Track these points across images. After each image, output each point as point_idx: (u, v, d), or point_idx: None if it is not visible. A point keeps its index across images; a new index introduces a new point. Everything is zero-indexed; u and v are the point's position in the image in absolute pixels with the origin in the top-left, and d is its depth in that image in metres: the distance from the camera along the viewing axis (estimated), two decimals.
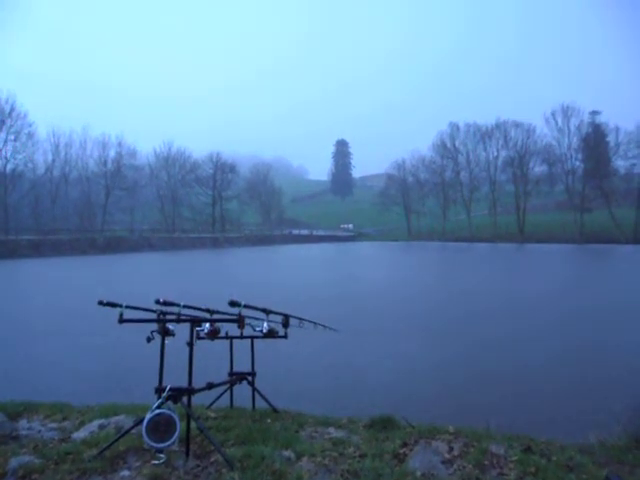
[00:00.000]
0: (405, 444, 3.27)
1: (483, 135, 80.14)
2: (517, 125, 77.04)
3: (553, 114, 71.42)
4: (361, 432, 3.57)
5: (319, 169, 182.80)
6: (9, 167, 63.21)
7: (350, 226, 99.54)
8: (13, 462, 2.90)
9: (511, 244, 61.02)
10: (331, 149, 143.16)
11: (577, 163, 72.28)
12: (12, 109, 61.88)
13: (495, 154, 79.49)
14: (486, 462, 2.95)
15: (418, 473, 2.81)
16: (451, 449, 3.18)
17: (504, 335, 10.45)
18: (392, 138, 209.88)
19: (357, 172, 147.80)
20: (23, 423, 3.75)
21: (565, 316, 12.61)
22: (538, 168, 76.34)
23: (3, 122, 61.49)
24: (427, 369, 8.14)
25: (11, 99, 61.57)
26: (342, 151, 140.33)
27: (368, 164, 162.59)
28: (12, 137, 62.55)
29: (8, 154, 62.83)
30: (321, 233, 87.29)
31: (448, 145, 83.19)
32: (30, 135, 64.76)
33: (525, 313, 13.26)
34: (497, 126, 78.50)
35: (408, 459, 3.03)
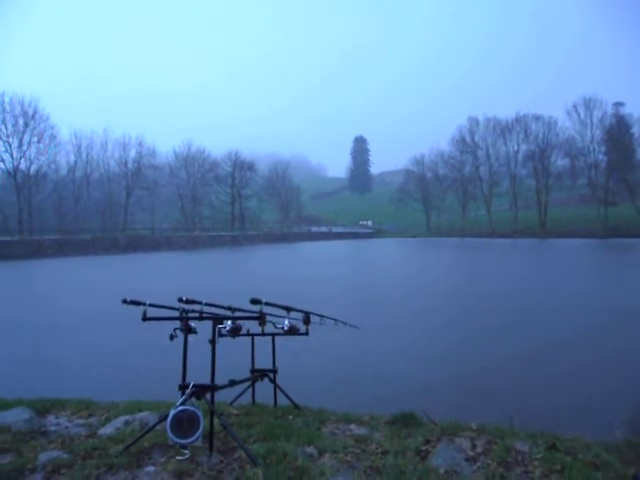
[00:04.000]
0: (427, 441, 3.26)
1: (503, 129, 79.06)
2: (538, 118, 75.85)
3: (575, 107, 70.07)
4: (383, 429, 3.57)
5: (338, 166, 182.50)
6: (33, 168, 64.48)
7: (369, 223, 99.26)
8: (42, 457, 2.97)
9: (532, 240, 60.17)
10: (349, 146, 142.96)
11: (600, 156, 70.79)
12: (35, 112, 63.12)
13: (515, 148, 78.46)
14: (510, 459, 2.92)
15: (441, 470, 2.80)
16: (474, 446, 3.16)
17: (538, 341, 9.65)
18: (411, 134, 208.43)
19: (376, 168, 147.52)
20: (51, 419, 3.83)
21: (604, 317, 11.67)
22: (560, 162, 75.05)
23: (27, 124, 62.73)
24: (452, 369, 8.06)
25: (34, 102, 62.80)
26: (360, 148, 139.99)
27: (387, 160, 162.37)
28: (35, 139, 63.81)
29: (32, 156, 64.09)
30: (340, 230, 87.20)
31: (467, 140, 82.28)
32: (53, 137, 66.10)
33: (561, 314, 12.20)
34: (517, 120, 77.37)
35: (431, 456, 3.02)
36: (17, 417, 3.66)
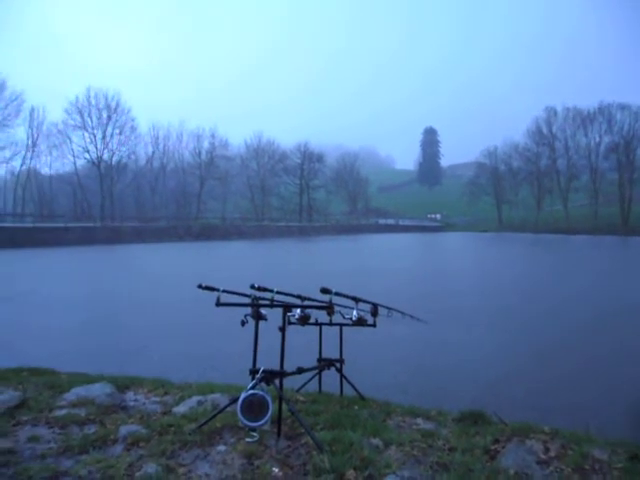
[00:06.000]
0: (497, 441, 3.16)
1: (584, 119, 74.66)
2: (623, 108, 70.99)
3: None
4: (450, 425, 3.50)
5: (406, 158, 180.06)
6: (114, 159, 68.31)
7: (437, 216, 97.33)
8: (122, 430, 3.16)
9: (613, 237, 56.55)
10: (419, 137, 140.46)
11: None
12: (117, 105, 66.88)
13: (597, 140, 73.99)
14: (587, 466, 2.79)
15: (511, 471, 2.71)
16: (547, 450, 3.03)
17: (616, 345, 8.99)
18: (483, 125, 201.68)
19: (445, 161, 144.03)
20: (130, 395, 4.06)
21: None
22: None
23: (109, 117, 66.48)
24: (526, 368, 7.78)
25: (116, 96, 66.44)
26: (430, 139, 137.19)
27: (457, 152, 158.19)
28: (117, 131, 67.68)
29: (114, 147, 67.88)
30: (407, 223, 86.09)
31: (544, 131, 78.44)
32: (133, 129, 69.83)
33: None
34: (600, 109, 72.75)
35: (500, 456, 2.94)
36: (100, 391, 3.91)
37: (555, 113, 77.54)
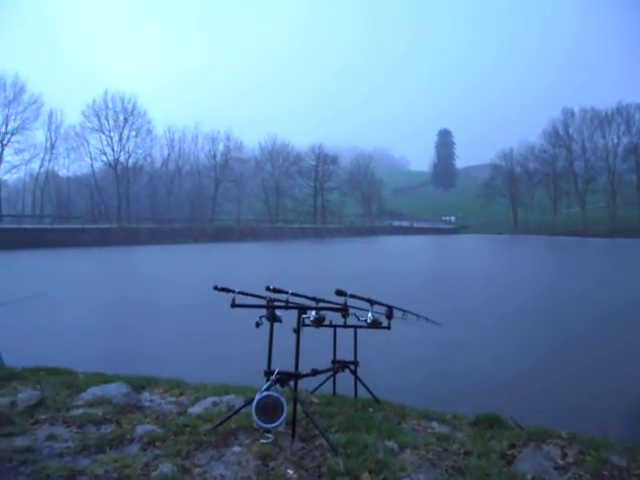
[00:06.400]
0: (513, 445, 3.13)
1: (602, 121, 73.81)
2: None
3: None
4: (466, 429, 3.47)
5: (421, 160, 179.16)
6: (131, 161, 69.11)
7: (452, 218, 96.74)
8: (139, 429, 3.18)
9: (632, 240, 55.60)
10: (434, 139, 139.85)
11: None
12: (134, 108, 67.72)
13: (615, 141, 73.11)
14: (606, 473, 2.74)
15: (528, 477, 2.68)
16: (565, 455, 2.99)
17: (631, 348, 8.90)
18: (499, 127, 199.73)
19: (460, 162, 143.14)
20: (146, 395, 4.09)
21: None
22: None
23: (126, 120, 67.32)
24: (539, 371, 7.70)
25: (133, 99, 67.25)
26: (445, 141, 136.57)
27: (472, 154, 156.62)
28: (134, 133, 68.49)
29: (130, 149, 68.67)
30: (422, 225, 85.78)
31: (561, 132, 77.66)
32: (149, 131, 70.67)
33: None
34: (618, 110, 72.00)
35: (517, 461, 2.90)
36: (116, 391, 3.95)
37: (572, 114, 76.81)
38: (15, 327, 9.38)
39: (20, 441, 3.03)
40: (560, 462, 2.90)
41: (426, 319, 4.88)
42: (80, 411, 3.59)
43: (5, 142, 59.18)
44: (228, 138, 78.42)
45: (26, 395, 3.81)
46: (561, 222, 72.86)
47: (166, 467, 2.63)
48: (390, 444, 3.04)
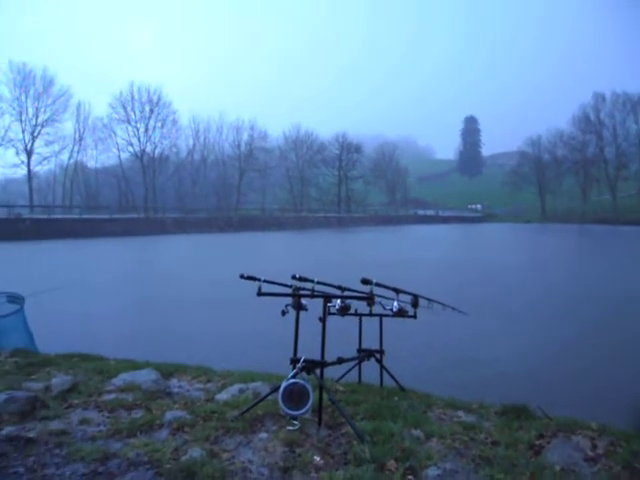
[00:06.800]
0: (541, 436, 3.09)
1: (634, 105, 71.47)
2: None
3: None
4: (492, 419, 3.45)
5: (446, 147, 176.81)
6: (157, 152, 69.96)
7: (478, 207, 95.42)
8: (168, 415, 3.25)
9: None
10: (459, 126, 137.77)
11: None
12: (159, 99, 68.37)
13: None
14: (637, 465, 2.69)
15: (557, 468, 2.64)
16: (594, 447, 2.94)
17: None
18: (526, 114, 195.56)
19: (487, 150, 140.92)
20: (174, 382, 4.17)
21: None
22: None
23: (152, 111, 68.07)
24: (566, 360, 7.59)
25: (158, 90, 67.92)
26: (471, 128, 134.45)
27: (499, 141, 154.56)
28: (159, 124, 69.22)
29: (156, 140, 69.50)
30: (447, 214, 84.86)
31: (592, 118, 75.47)
32: (174, 122, 71.35)
33: None
34: None
35: (545, 452, 2.87)
36: (146, 377, 4.03)
37: (603, 99, 74.63)
38: (48, 315, 9.64)
39: (55, 424, 3.12)
40: (590, 453, 2.86)
41: (452, 308, 4.85)
42: (111, 396, 3.68)
43: (36, 134, 60.60)
44: (252, 128, 78.77)
45: (60, 380, 3.92)
46: (591, 210, 71.04)
47: (195, 452, 2.68)
48: (416, 433, 3.04)
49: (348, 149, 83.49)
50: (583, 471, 2.63)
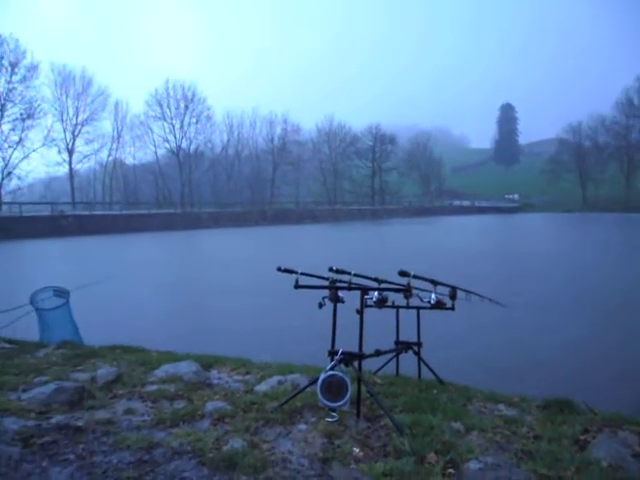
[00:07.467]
0: (586, 431, 3.01)
1: None
2: None
3: None
4: (534, 413, 3.38)
5: (482, 136, 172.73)
6: (192, 147, 71.07)
7: (515, 196, 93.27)
8: (209, 406, 3.31)
9: None
10: (495, 114, 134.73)
11: None
12: (194, 95, 69.31)
13: None
14: None
15: (604, 463, 2.57)
16: None
17: None
18: (565, 99, 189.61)
19: (523, 138, 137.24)
20: (214, 373, 4.25)
21: None
22: None
23: (187, 107, 69.11)
24: (609, 356, 7.35)
25: (192, 87, 68.86)
26: (507, 116, 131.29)
27: (536, 129, 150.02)
28: (194, 120, 70.22)
29: (191, 135, 70.58)
30: (483, 204, 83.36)
31: (636, 102, 72.62)
32: (209, 118, 72.31)
33: None
34: None
35: (590, 447, 2.79)
36: (187, 369, 4.12)
37: None
38: (93, 307, 9.95)
39: (101, 414, 3.23)
40: (638, 450, 2.77)
41: (490, 300, 4.77)
42: (154, 387, 3.78)
43: (76, 133, 62.48)
44: (285, 121, 79.06)
45: (104, 371, 4.05)
46: (636, 198, 68.43)
47: (236, 442, 2.72)
48: (456, 426, 3.01)
49: (382, 140, 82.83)
50: (631, 467, 2.55)
